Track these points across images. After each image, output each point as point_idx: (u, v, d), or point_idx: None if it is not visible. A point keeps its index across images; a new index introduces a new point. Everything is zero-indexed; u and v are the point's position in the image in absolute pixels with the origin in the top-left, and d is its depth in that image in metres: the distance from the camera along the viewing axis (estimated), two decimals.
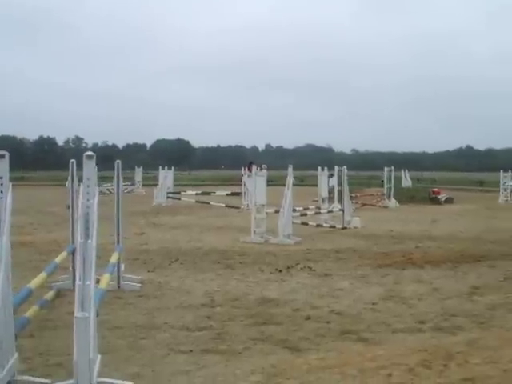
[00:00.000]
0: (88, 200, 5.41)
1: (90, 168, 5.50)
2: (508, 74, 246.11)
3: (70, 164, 10.18)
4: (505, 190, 41.93)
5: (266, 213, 18.23)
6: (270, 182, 20.77)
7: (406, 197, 38.98)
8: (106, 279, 7.49)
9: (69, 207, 10.52)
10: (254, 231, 17.58)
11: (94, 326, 5.05)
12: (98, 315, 5.57)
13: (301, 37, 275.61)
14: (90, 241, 5.21)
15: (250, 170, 29.08)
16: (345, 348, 6.99)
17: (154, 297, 9.82)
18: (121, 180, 10.59)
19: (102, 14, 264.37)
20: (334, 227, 21.36)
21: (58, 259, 8.97)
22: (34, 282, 7.28)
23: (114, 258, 9.34)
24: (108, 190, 28.89)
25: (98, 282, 6.84)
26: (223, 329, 7.81)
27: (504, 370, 6.19)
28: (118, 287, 10.29)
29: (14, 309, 6.50)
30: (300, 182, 53.64)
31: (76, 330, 4.91)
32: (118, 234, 10.52)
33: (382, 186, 37.66)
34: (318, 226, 20.82)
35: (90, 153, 5.49)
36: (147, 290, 10.33)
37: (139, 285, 10.55)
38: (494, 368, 6.25)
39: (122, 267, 10.63)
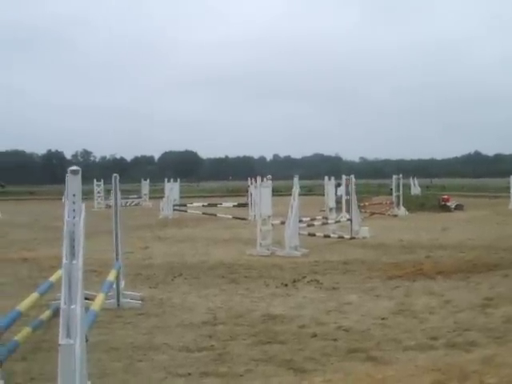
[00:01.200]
0: (74, 217, 5.05)
1: (76, 183, 5.16)
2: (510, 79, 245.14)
3: (67, 178, 9.84)
4: None
5: (272, 224, 17.92)
6: (276, 192, 20.46)
7: (415, 204, 38.65)
8: (100, 299, 7.13)
9: None
10: (260, 243, 17.24)
11: (80, 353, 4.69)
12: (87, 340, 5.22)
13: (307, 46, 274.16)
14: (75, 261, 4.85)
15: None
16: (352, 368, 6.61)
17: (155, 315, 9.47)
18: (118, 194, 10.27)
19: (107, 30, 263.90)
20: (342, 237, 21.02)
21: (52, 278, 8.61)
22: (24, 304, 6.92)
23: (111, 276, 9.00)
24: None
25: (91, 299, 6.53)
26: (225, 349, 7.44)
27: None
28: (118, 305, 9.96)
29: (1, 332, 6.19)
30: (308, 191, 53.44)
31: (60, 358, 4.58)
32: (117, 250, 10.17)
33: (391, 194, 37.27)
34: (325, 236, 20.47)
35: (74, 167, 5.17)
36: (148, 307, 10.00)
37: (140, 302, 10.23)
38: None
39: (122, 284, 10.29)
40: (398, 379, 6.21)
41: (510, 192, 42.16)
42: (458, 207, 38.48)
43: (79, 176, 5.15)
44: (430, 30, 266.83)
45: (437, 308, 9.63)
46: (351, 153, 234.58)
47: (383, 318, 8.94)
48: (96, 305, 6.75)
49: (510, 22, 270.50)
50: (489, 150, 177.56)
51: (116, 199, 10.16)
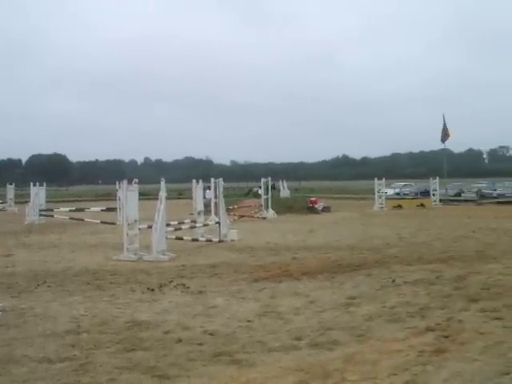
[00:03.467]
0: None
1: None
2: (379, 86, 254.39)
3: None
4: (379, 197, 42.96)
5: (139, 229, 17.68)
6: (146, 196, 20.23)
7: (284, 207, 39.15)
8: None
9: None
10: (127, 248, 16.99)
11: None
12: None
13: (180, 50, 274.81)
14: None
15: None
16: (217, 372, 6.58)
17: (15, 326, 9.09)
18: None
19: None
20: (211, 241, 21.04)
21: None
22: None
23: None
24: None
25: None
26: (88, 358, 7.23)
27: None
28: None
29: None
30: (179, 195, 53.35)
31: None
32: None
33: (259, 196, 37.65)
34: (193, 240, 20.42)
35: None
36: (8, 318, 9.60)
37: None
38: None
39: None
40: (262, 381, 6.23)
41: (374, 194, 43.66)
42: (325, 209, 39.41)
43: None
44: (300, 38, 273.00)
45: (302, 308, 9.76)
46: (222, 156, 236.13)
47: (249, 321, 8.97)
48: None
49: (381, 32, 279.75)
50: (356, 154, 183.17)
51: None
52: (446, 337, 7.69)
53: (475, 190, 57.57)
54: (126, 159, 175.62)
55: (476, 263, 14.22)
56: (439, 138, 55.92)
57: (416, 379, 6.13)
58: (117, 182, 35.87)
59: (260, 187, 45.59)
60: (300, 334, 8.05)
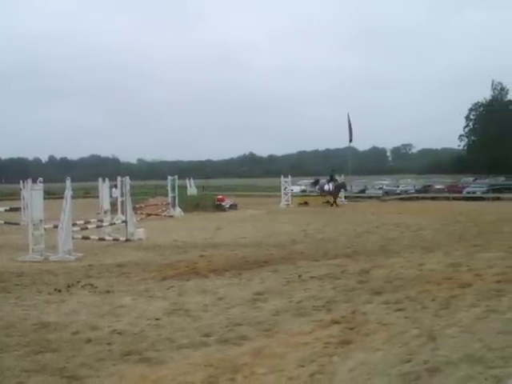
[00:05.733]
0: None
1: None
2: (283, 87, 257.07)
3: None
4: (285, 194, 43.49)
5: (45, 228, 17.38)
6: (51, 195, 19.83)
7: (191, 205, 39.04)
8: None
9: None
10: (33, 249, 16.68)
11: None
12: None
13: (84, 47, 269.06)
14: None
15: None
16: (127, 371, 6.60)
17: None
18: None
19: None
20: (118, 240, 20.88)
21: None
22: None
23: None
24: None
25: None
26: None
27: (290, 378, 6.17)
28: None
29: None
30: (85, 193, 52.60)
31: None
32: None
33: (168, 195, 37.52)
34: (100, 239, 20.22)
35: None
36: None
37: None
38: (280, 376, 6.23)
39: None
40: (172, 378, 6.30)
41: (281, 191, 44.18)
42: (232, 207, 39.61)
43: None
44: (211, 35, 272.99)
45: (210, 305, 9.87)
46: (129, 154, 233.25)
47: (157, 319, 9.00)
48: None
49: (288, 33, 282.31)
50: (262, 152, 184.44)
51: None
52: (351, 329, 7.95)
53: (379, 186, 59.25)
54: (30, 157, 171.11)
55: (379, 257, 14.66)
56: (346, 138, 56.94)
57: (323, 370, 6.33)
58: (21, 181, 34.98)
59: (328, 181, 44.47)
60: (209, 331, 8.16)
